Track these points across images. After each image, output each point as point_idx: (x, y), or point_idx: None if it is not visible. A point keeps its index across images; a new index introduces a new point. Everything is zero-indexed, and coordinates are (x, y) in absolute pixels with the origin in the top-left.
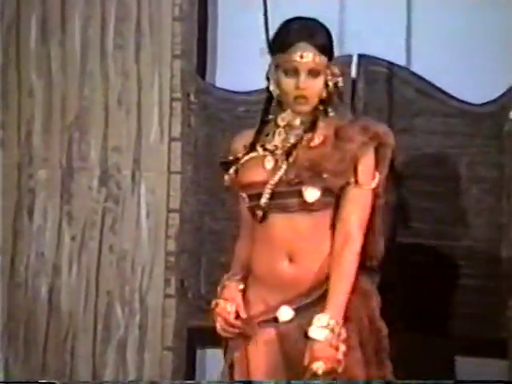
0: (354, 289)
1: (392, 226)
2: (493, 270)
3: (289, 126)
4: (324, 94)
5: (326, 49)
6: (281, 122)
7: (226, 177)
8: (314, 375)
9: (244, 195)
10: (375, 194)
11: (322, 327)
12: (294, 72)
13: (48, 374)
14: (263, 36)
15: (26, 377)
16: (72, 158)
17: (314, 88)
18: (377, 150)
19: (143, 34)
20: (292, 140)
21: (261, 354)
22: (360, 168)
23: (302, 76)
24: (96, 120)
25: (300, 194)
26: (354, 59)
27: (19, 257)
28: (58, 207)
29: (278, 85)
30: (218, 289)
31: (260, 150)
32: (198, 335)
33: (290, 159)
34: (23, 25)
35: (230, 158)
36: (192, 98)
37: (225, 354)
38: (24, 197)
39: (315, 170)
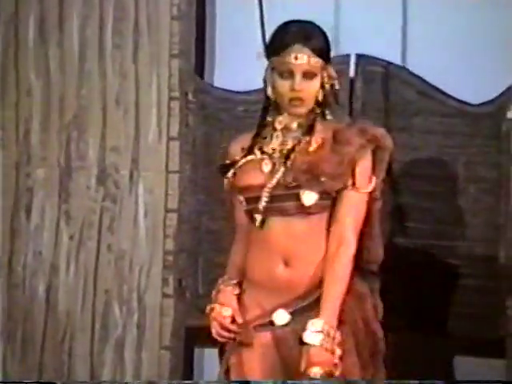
0: (349, 291)
1: (389, 228)
2: (492, 269)
3: (286, 129)
4: (320, 97)
5: (321, 51)
6: (278, 125)
7: (226, 181)
8: (312, 381)
9: (241, 198)
10: (372, 198)
11: (316, 332)
12: (289, 74)
13: (46, 373)
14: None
15: (24, 376)
16: (70, 158)
17: (310, 90)
18: (374, 153)
19: (141, 34)
20: (290, 143)
21: (257, 358)
22: (357, 170)
23: (297, 78)
24: (94, 119)
25: (297, 198)
26: (352, 59)
27: (17, 256)
28: (55, 206)
29: (274, 87)
30: (213, 293)
31: (258, 153)
32: (196, 334)
33: (288, 162)
34: (21, 24)
35: (227, 161)
36: (190, 97)
37: (220, 358)
38: (22, 196)
39: (313, 173)
